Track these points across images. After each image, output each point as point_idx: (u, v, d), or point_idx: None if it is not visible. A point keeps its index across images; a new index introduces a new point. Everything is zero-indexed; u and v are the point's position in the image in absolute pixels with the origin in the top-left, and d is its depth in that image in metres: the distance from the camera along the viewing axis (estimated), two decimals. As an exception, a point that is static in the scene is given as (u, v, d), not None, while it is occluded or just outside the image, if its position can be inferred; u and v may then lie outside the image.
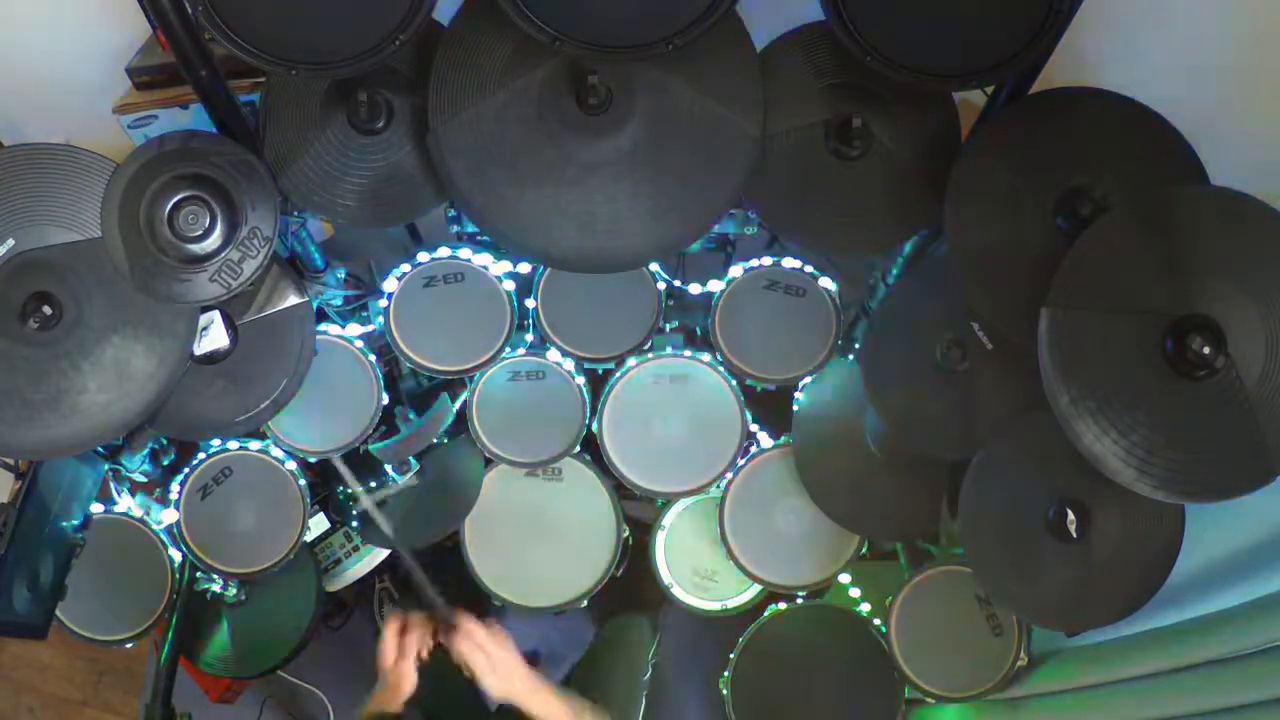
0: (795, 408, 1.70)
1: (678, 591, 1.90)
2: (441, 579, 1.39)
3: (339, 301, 1.75)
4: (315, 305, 1.56)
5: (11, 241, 1.20)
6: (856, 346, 1.67)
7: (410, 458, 1.82)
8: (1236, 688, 1.20)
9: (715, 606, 1.90)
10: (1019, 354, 1.20)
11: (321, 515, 1.88)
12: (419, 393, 1.94)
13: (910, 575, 1.60)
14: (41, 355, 1.22)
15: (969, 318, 1.38)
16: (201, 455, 1.72)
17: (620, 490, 1.84)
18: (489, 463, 1.84)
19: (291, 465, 1.72)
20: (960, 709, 1.74)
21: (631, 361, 1.73)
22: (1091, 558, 1.29)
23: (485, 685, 1.29)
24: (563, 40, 1.14)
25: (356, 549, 2.07)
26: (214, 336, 1.38)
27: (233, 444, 1.71)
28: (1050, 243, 1.19)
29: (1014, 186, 1.23)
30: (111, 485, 1.68)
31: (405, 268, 1.65)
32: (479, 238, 1.67)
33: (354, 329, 1.71)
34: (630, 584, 1.93)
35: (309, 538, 1.82)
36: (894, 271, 1.57)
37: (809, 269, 1.65)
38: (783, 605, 1.74)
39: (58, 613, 1.51)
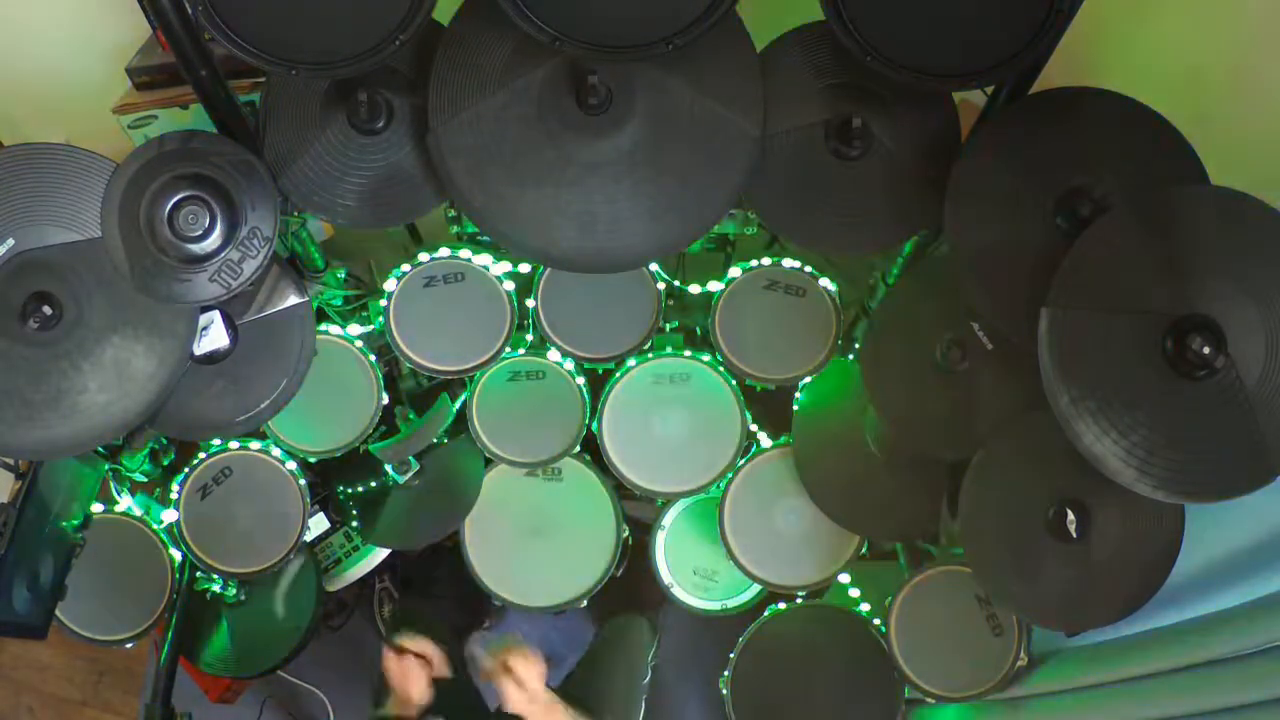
0: (795, 408, 1.70)
1: (678, 591, 1.90)
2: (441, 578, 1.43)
3: (339, 301, 1.75)
4: (315, 305, 1.57)
5: (11, 241, 1.20)
6: (856, 346, 1.67)
7: (410, 458, 1.82)
8: (1236, 688, 1.20)
9: (715, 606, 1.90)
10: (1019, 354, 1.19)
11: (321, 515, 1.88)
12: (419, 393, 1.94)
13: (910, 575, 1.60)
14: (41, 355, 1.22)
15: (969, 318, 1.38)
16: (201, 455, 1.72)
17: (620, 490, 1.85)
18: (489, 463, 1.85)
19: (291, 465, 1.72)
20: (960, 709, 1.74)
21: (631, 361, 1.73)
22: (1091, 558, 1.29)
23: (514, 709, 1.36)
24: (563, 40, 1.14)
25: (356, 549, 2.07)
26: (214, 336, 1.38)
27: (233, 444, 1.71)
28: (1050, 243, 1.19)
29: (1014, 186, 1.23)
30: (111, 485, 1.68)
31: (405, 268, 1.65)
32: (479, 238, 1.67)
33: (354, 329, 1.71)
34: (630, 584, 1.93)
35: (309, 538, 1.82)
36: (894, 271, 1.57)
37: (809, 269, 1.65)
38: (783, 605, 1.74)
39: (58, 613, 1.51)
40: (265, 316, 1.44)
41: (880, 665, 1.62)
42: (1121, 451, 1.09)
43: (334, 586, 2.06)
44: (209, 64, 1.18)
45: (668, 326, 1.80)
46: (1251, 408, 1.08)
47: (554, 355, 1.74)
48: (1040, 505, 1.30)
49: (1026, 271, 1.19)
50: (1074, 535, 1.27)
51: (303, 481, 1.72)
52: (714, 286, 1.71)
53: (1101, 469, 1.10)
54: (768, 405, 1.78)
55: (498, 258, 1.66)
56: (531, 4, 1.12)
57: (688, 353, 1.73)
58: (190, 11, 1.09)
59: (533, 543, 1.88)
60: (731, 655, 1.72)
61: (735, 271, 1.66)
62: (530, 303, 1.69)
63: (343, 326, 1.70)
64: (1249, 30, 1.32)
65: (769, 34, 1.34)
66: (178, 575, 1.72)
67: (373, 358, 1.69)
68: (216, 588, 1.87)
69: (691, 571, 1.91)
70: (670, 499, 1.87)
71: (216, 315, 1.39)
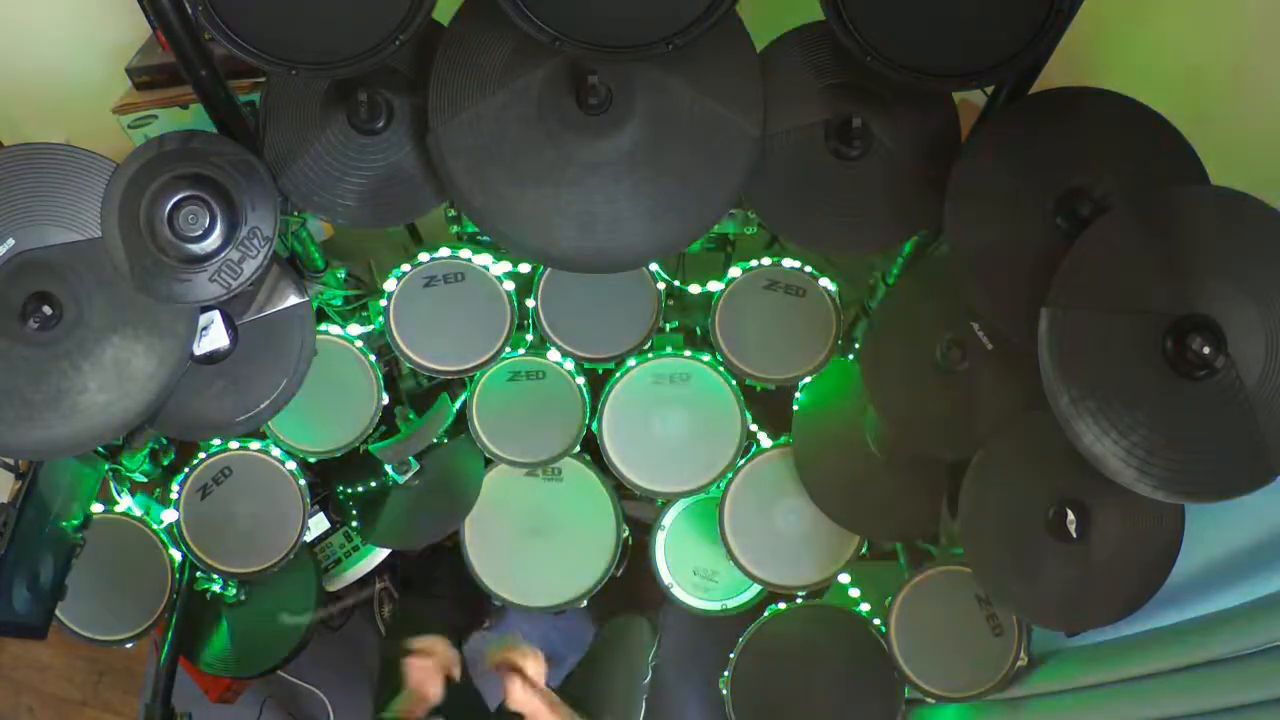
0: (795, 408, 1.70)
1: (678, 591, 1.90)
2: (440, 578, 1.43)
3: (339, 301, 1.75)
4: (315, 305, 1.56)
5: (11, 241, 1.20)
6: (856, 346, 1.67)
7: (410, 458, 1.82)
8: (1236, 688, 1.20)
9: (715, 606, 1.90)
10: (1019, 354, 1.19)
11: (321, 515, 1.88)
12: (419, 393, 1.94)
13: (910, 575, 1.60)
14: (41, 355, 1.22)
15: (969, 318, 1.38)
16: (201, 455, 1.72)
17: (620, 490, 1.84)
18: (489, 463, 1.84)
19: (291, 465, 1.72)
20: (960, 709, 1.74)
21: (631, 361, 1.73)
22: (1091, 558, 1.29)
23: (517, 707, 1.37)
24: (563, 40, 1.14)
25: (356, 549, 2.07)
26: (214, 336, 1.38)
27: (233, 444, 1.71)
28: (1050, 243, 1.19)
29: (1014, 186, 1.23)
30: (111, 485, 1.68)
31: (405, 268, 1.65)
32: (479, 238, 1.67)
33: (354, 329, 1.71)
34: (630, 584, 1.93)
35: (309, 538, 1.82)
36: (894, 271, 1.57)
37: (809, 269, 1.65)
38: (783, 605, 1.74)
39: (58, 613, 1.51)
40: (265, 316, 1.44)
41: (880, 665, 1.62)
42: (1121, 451, 1.09)
43: (334, 586, 2.06)
44: (209, 64, 1.18)
45: (668, 326, 1.79)
46: (1251, 408, 1.08)
47: (554, 355, 1.74)
48: (1040, 505, 1.30)
49: (1026, 271, 1.19)
50: (1074, 535, 1.27)
51: (303, 481, 1.72)
52: (714, 286, 1.71)
53: (1101, 469, 1.10)
54: (768, 405, 1.78)
55: (498, 258, 1.66)
56: (531, 4, 1.12)
57: (688, 353, 1.73)
58: (190, 11, 1.09)
59: (533, 543, 1.88)
60: (731, 655, 1.72)
61: (735, 271, 1.66)
62: (530, 303, 1.69)
63: (343, 326, 1.70)
64: (1249, 30, 1.32)
65: (769, 34, 1.34)
66: (178, 575, 1.72)
67: (373, 358, 1.69)
68: (216, 588, 1.87)
69: (691, 571, 1.91)
70: (670, 499, 1.87)
71: (216, 315, 1.39)
